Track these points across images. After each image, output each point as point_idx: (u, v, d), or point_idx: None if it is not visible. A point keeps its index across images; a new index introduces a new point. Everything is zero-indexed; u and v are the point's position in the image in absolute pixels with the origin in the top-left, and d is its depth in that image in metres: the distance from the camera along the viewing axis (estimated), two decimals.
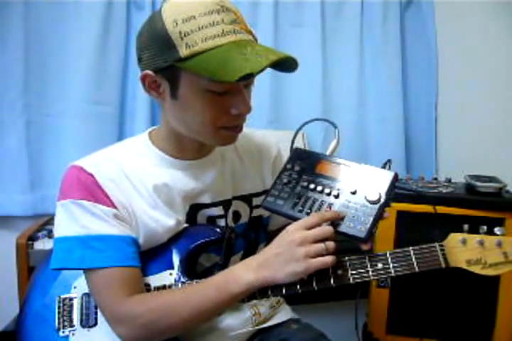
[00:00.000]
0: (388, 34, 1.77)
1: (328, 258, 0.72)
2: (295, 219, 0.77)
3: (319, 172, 0.80)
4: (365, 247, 0.74)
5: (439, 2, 1.79)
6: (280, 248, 0.73)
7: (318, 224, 0.74)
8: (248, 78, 0.68)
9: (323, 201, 0.77)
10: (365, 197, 0.75)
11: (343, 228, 0.74)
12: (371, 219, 0.73)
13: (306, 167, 0.81)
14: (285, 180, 0.80)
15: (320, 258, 0.72)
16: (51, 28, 1.55)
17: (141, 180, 0.83)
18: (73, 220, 0.78)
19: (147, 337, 0.78)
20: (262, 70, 0.68)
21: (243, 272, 0.75)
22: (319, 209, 0.77)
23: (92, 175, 0.79)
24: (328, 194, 0.77)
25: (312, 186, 0.79)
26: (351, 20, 1.76)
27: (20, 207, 1.57)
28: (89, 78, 1.56)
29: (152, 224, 0.82)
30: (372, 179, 0.77)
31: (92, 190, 0.79)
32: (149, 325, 0.76)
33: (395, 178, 0.77)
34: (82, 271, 0.82)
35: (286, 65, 0.75)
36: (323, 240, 0.73)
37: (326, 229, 0.73)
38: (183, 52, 0.71)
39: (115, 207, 0.79)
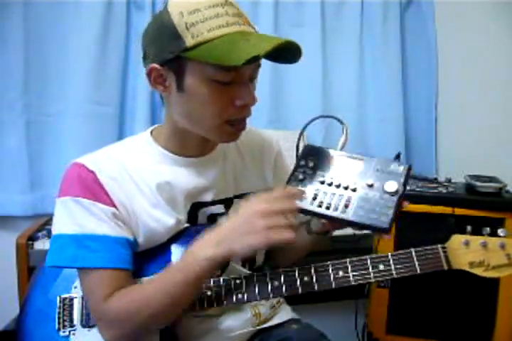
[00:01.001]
0: (388, 34, 1.77)
1: (287, 234, 0.69)
2: (315, 214, 0.77)
3: (334, 167, 0.81)
4: (386, 237, 0.74)
5: (439, 2, 1.79)
6: (240, 219, 0.72)
7: (282, 199, 0.73)
8: (255, 61, 0.69)
9: (341, 195, 0.77)
10: (383, 189, 0.76)
11: (366, 220, 0.74)
12: (392, 209, 0.74)
13: (320, 163, 0.81)
14: (300, 177, 0.80)
15: (279, 232, 0.69)
16: (51, 28, 1.55)
17: (143, 179, 0.83)
18: (70, 218, 0.78)
19: (133, 333, 0.77)
20: (266, 53, 0.69)
21: (202, 249, 0.73)
22: (338, 204, 0.76)
23: (93, 173, 0.79)
24: (346, 188, 0.78)
25: (329, 181, 0.79)
26: (351, 20, 1.77)
27: (20, 207, 1.58)
28: (89, 78, 1.56)
29: (153, 223, 0.82)
30: (388, 171, 0.78)
31: (92, 188, 0.79)
32: (131, 319, 0.75)
33: (410, 169, 0.78)
34: None
35: (290, 52, 0.76)
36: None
37: (289, 203, 0.73)
38: (189, 41, 0.72)
39: (114, 206, 0.79)
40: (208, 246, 0.73)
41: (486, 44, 1.80)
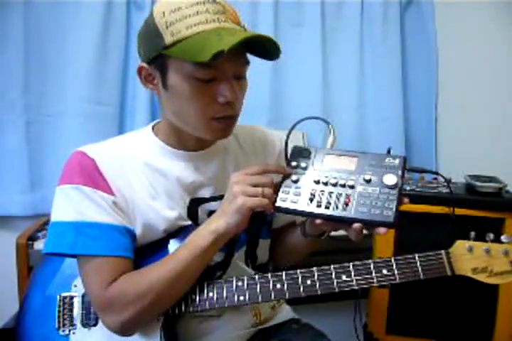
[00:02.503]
0: (388, 34, 1.77)
1: (264, 199, 0.74)
2: (314, 215, 0.76)
3: (328, 165, 0.79)
4: (382, 232, 0.73)
5: (439, 2, 1.79)
6: (226, 193, 0.77)
7: (261, 173, 0.77)
8: (220, 56, 0.68)
9: (339, 193, 0.76)
10: (382, 183, 0.75)
11: (369, 216, 0.73)
12: (395, 203, 0.73)
13: (312, 162, 0.80)
14: (294, 178, 0.79)
15: (255, 198, 0.74)
16: (51, 28, 1.55)
17: (142, 170, 0.83)
18: (70, 205, 0.79)
19: (138, 317, 0.76)
20: (232, 47, 0.68)
21: (206, 225, 0.77)
22: (338, 202, 0.75)
23: (93, 161, 0.80)
24: (343, 185, 0.76)
25: (325, 180, 0.78)
26: (351, 20, 1.76)
27: (20, 207, 1.58)
28: (89, 78, 1.56)
29: (151, 214, 0.82)
30: (383, 165, 0.77)
31: (92, 176, 0.79)
32: (139, 300, 0.75)
33: (405, 161, 0.78)
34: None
35: (267, 48, 0.76)
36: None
37: (266, 177, 0.77)
38: (168, 39, 0.73)
39: (114, 195, 0.80)
40: (211, 221, 0.77)
41: (485, 44, 1.80)
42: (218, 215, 0.77)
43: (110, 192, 0.79)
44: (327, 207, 0.75)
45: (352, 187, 0.76)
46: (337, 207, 0.75)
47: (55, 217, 0.80)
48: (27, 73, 1.54)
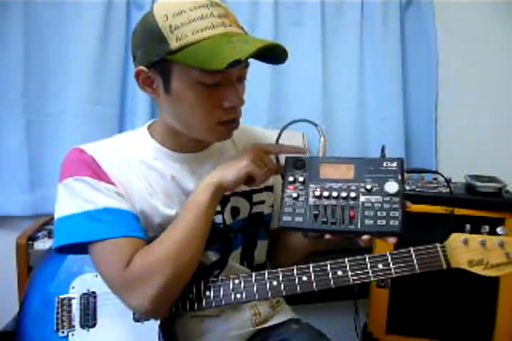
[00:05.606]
0: (388, 34, 1.77)
1: (263, 172, 0.79)
2: (322, 231, 0.76)
3: (325, 177, 0.78)
4: (391, 240, 0.74)
5: (439, 2, 1.79)
6: (239, 154, 0.82)
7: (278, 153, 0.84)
8: (236, 65, 0.68)
9: (343, 206, 0.75)
10: (384, 191, 0.74)
11: (376, 228, 0.73)
12: (399, 211, 0.73)
13: (309, 175, 0.79)
14: (294, 195, 0.78)
15: (257, 168, 0.78)
16: (51, 28, 1.55)
17: (140, 168, 0.84)
18: (77, 197, 0.78)
19: (166, 286, 0.74)
20: (249, 56, 0.69)
21: (203, 181, 0.80)
22: (343, 216, 0.75)
23: (92, 157, 0.81)
24: (345, 198, 0.75)
25: (326, 194, 0.76)
26: (351, 20, 1.76)
27: (20, 207, 1.57)
28: (89, 78, 1.56)
29: (148, 209, 0.82)
30: (381, 171, 0.76)
31: (94, 168, 0.80)
32: (160, 272, 0.74)
33: (403, 164, 0.76)
34: (79, 271, 0.81)
35: (275, 54, 0.76)
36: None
37: (274, 165, 0.83)
38: (174, 44, 0.72)
39: (115, 186, 0.80)
40: (207, 176, 0.80)
41: (485, 44, 1.80)
42: (218, 169, 0.80)
43: (112, 183, 0.80)
44: (333, 223, 0.75)
45: (354, 198, 0.75)
46: (343, 222, 0.74)
47: (62, 213, 0.79)
48: (27, 73, 1.54)
